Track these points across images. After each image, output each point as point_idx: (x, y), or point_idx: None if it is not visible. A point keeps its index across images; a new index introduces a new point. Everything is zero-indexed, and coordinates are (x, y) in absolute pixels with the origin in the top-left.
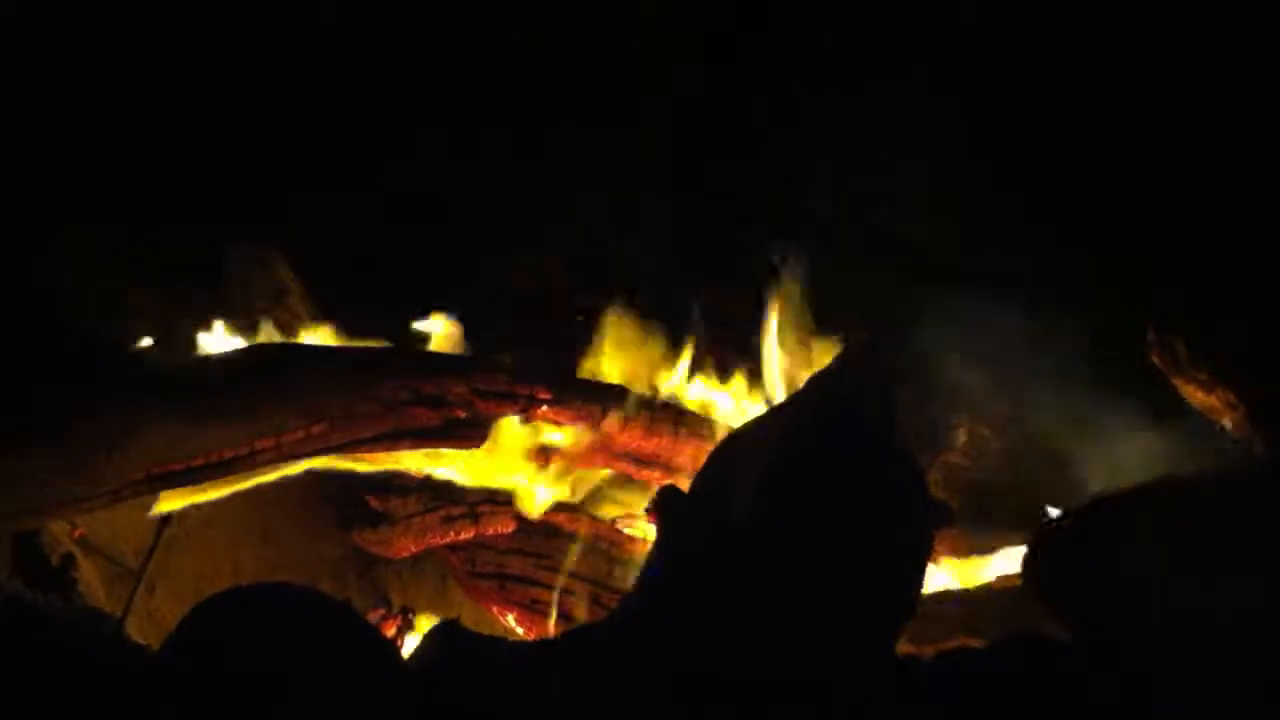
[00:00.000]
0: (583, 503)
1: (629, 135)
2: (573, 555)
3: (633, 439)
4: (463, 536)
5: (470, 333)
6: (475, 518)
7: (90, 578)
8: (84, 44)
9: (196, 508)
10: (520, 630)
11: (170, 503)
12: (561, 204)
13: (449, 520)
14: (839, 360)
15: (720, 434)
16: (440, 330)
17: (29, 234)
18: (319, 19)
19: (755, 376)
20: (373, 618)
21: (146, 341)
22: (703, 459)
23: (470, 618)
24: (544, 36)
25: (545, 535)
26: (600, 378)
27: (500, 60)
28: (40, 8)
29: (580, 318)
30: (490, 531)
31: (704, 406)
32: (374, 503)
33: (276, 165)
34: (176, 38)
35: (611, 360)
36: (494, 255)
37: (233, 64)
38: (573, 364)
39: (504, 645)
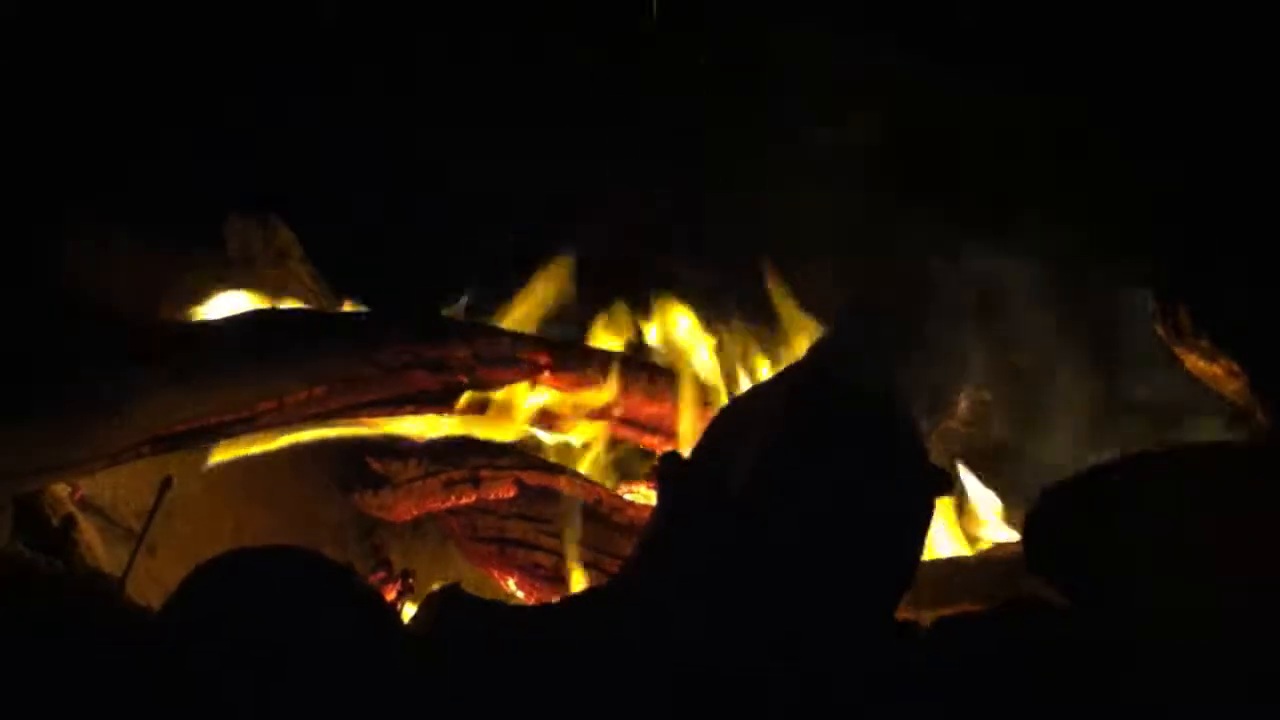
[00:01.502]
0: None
1: (629, 135)
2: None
3: (634, 404)
4: (463, 501)
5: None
6: (476, 482)
7: (91, 539)
8: (84, 44)
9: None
10: (521, 595)
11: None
12: (561, 203)
13: (450, 485)
14: (837, 327)
15: (722, 400)
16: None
17: (29, 234)
18: (319, 19)
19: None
20: (373, 581)
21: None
22: (704, 426)
23: (471, 582)
24: (545, 37)
25: (546, 500)
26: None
27: (501, 60)
28: (40, 8)
29: None
30: (491, 496)
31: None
32: (375, 466)
33: (276, 165)
34: (176, 37)
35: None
36: (494, 254)
37: (233, 64)
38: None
39: (505, 610)
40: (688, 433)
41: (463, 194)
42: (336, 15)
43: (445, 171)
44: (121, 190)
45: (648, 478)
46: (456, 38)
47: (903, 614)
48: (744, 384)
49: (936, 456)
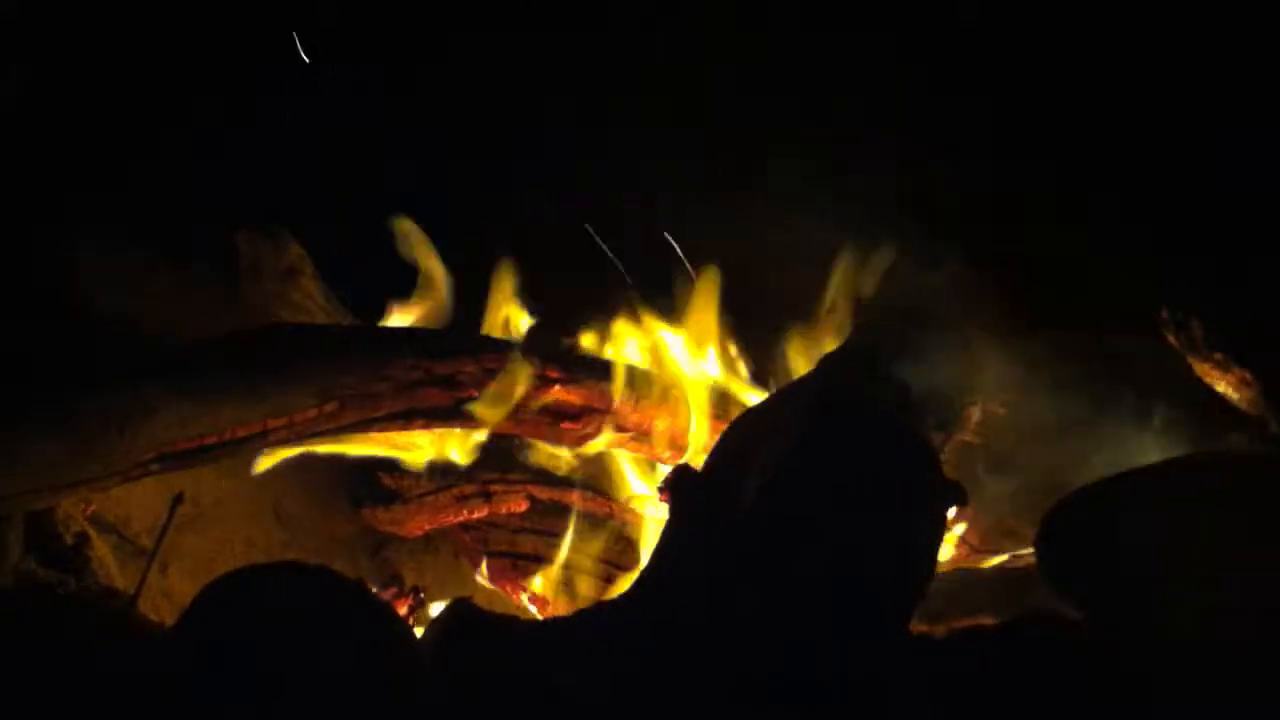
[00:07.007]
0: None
1: (629, 134)
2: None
3: (645, 418)
4: (475, 515)
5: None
6: (488, 497)
7: (104, 556)
8: (84, 44)
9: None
10: (533, 609)
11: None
12: (562, 202)
13: (462, 499)
14: (851, 341)
15: (733, 414)
16: None
17: (29, 234)
18: (319, 19)
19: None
20: (385, 597)
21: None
22: (716, 438)
23: (483, 597)
24: (544, 36)
25: (558, 514)
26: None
27: (501, 59)
28: (40, 8)
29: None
30: (503, 510)
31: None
32: (386, 481)
33: (276, 165)
34: (176, 38)
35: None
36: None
37: (233, 64)
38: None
39: (517, 624)
40: (700, 445)
41: (463, 194)
42: (336, 15)
43: (444, 171)
44: (124, 193)
45: (660, 491)
46: (458, 38)
47: (917, 626)
48: (753, 398)
49: (950, 469)
